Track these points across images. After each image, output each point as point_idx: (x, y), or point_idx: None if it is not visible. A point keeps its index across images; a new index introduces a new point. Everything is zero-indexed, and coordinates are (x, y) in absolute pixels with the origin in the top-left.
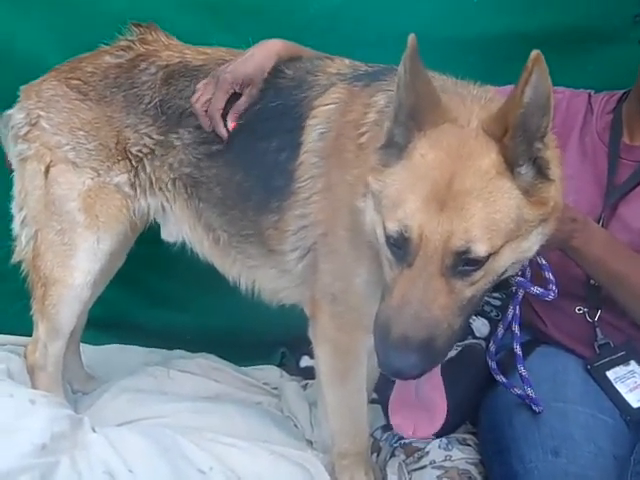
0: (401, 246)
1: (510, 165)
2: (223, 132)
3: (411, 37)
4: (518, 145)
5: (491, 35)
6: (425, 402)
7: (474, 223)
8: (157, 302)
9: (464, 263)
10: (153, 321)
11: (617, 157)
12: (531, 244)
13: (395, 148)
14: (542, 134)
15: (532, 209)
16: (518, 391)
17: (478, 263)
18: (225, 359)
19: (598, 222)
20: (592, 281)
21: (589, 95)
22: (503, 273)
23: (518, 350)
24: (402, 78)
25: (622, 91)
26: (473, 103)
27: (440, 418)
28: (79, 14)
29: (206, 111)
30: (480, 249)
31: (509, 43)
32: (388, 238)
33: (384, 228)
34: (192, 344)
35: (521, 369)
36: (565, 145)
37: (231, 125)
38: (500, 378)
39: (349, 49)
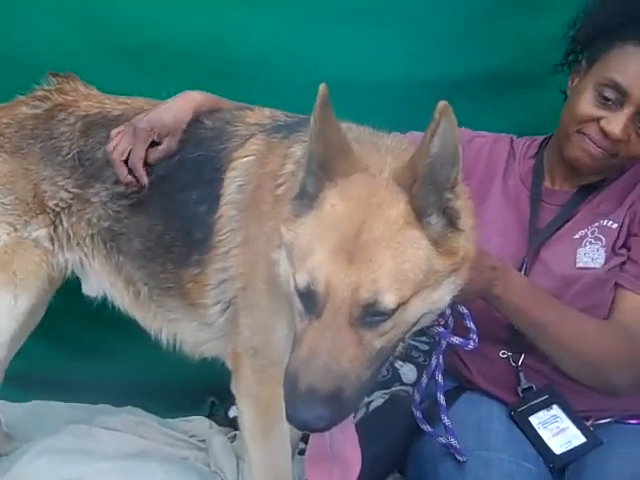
0: (310, 297)
1: (419, 215)
2: (145, 181)
3: (322, 87)
4: (427, 195)
5: (416, 80)
6: (339, 457)
7: (382, 273)
8: (80, 354)
9: (373, 314)
10: (76, 374)
11: (539, 201)
12: (442, 294)
13: (307, 198)
14: (452, 184)
15: (442, 259)
16: (443, 440)
17: (387, 314)
18: (152, 411)
19: (521, 266)
20: None
21: (511, 139)
22: (415, 324)
23: (442, 400)
24: (313, 128)
25: (543, 136)
26: (387, 153)
27: (354, 474)
28: None
29: (125, 161)
30: (388, 300)
31: (434, 88)
32: (298, 289)
33: (294, 279)
34: (117, 397)
35: (444, 419)
36: (489, 189)
37: (145, 180)
38: (425, 427)
39: (274, 95)
